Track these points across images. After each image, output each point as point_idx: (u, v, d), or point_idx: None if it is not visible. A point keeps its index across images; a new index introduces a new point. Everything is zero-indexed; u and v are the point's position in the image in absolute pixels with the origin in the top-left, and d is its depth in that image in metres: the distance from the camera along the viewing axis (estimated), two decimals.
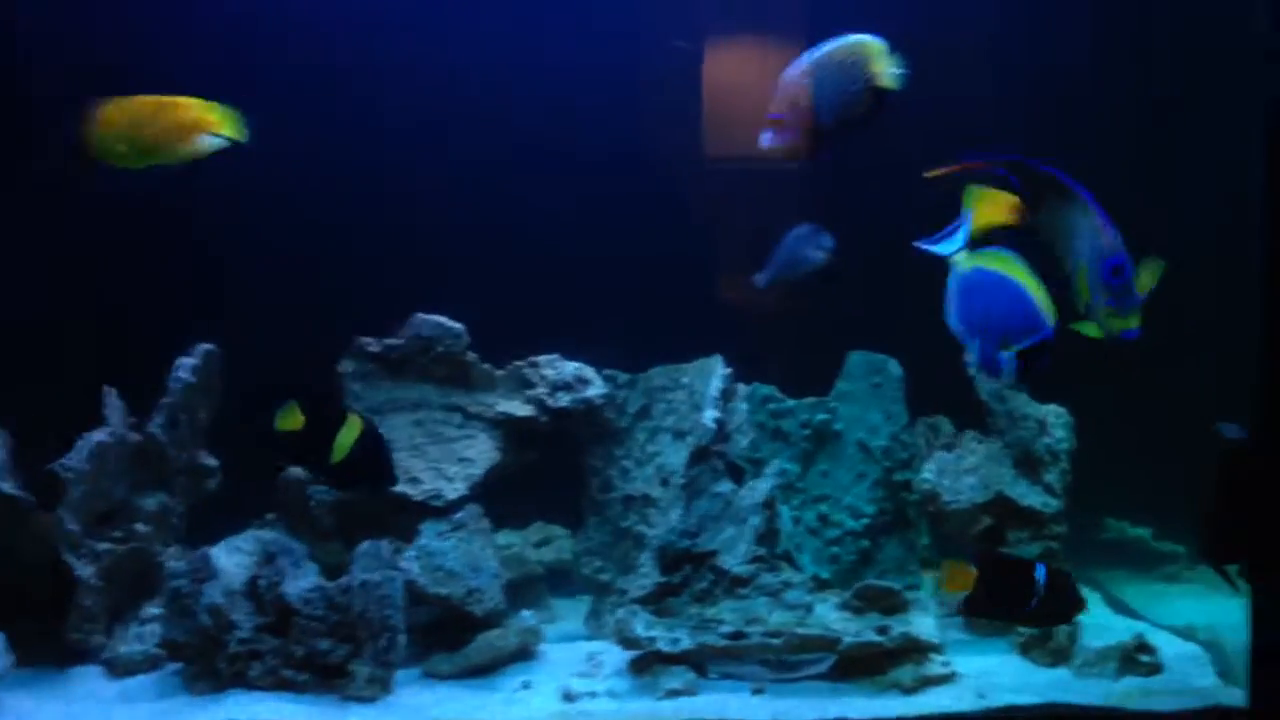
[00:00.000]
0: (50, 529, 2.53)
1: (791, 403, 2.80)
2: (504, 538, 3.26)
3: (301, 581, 2.44)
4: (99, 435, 2.61)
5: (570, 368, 2.79)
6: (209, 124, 2.26)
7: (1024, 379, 2.25)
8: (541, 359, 2.84)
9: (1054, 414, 2.74)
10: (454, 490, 2.66)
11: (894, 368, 2.76)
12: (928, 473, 2.60)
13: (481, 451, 2.73)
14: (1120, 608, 2.97)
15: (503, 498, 2.98)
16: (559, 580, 3.45)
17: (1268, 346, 2.22)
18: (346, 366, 2.69)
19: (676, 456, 2.81)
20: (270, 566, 2.47)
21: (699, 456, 2.60)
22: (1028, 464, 2.66)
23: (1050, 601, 2.25)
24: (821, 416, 2.79)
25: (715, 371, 2.71)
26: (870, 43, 2.15)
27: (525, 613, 2.63)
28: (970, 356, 2.27)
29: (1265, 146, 2.21)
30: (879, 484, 2.74)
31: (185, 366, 2.74)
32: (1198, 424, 2.44)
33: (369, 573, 2.44)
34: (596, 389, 2.80)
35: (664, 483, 2.81)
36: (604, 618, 2.83)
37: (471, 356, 2.77)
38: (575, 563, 2.92)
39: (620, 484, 2.88)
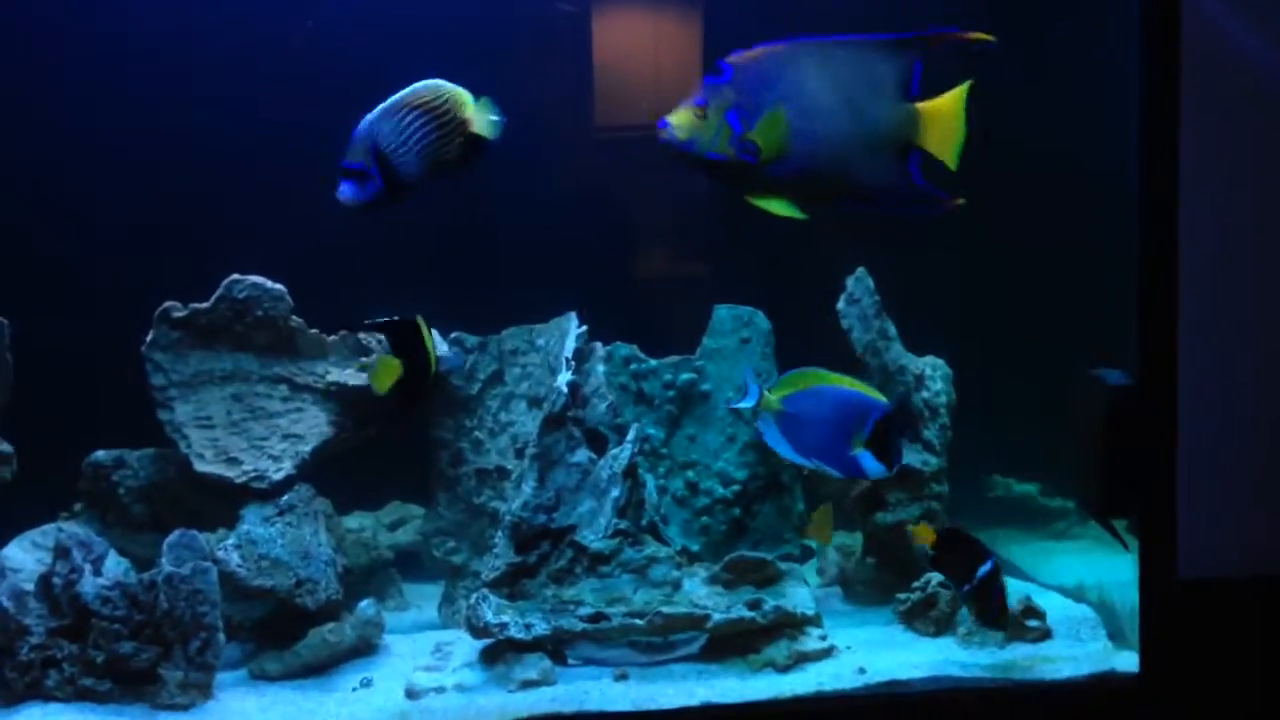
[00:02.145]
0: None
1: (654, 362, 2.65)
2: (355, 520, 3.06)
3: (100, 579, 2.20)
4: None
5: None
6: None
7: (892, 458, 2.30)
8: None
9: (931, 366, 2.65)
10: (280, 470, 2.44)
11: (761, 320, 2.62)
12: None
13: (311, 426, 2.52)
14: (1008, 569, 2.91)
15: (355, 477, 2.79)
16: (415, 564, 3.27)
17: (1146, 285, 2.15)
18: (149, 335, 2.44)
19: (533, 425, 2.64)
20: (65, 562, 2.23)
21: (553, 424, 2.43)
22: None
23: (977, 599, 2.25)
24: (686, 376, 2.64)
25: (569, 331, 2.54)
26: (457, 90, 2.07)
27: (364, 603, 2.44)
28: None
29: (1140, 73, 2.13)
30: (750, 447, 2.61)
31: None
32: (1081, 370, 2.38)
33: (179, 563, 2.22)
34: (441, 350, 2.60)
35: (520, 454, 2.63)
36: (458, 603, 2.66)
37: (297, 322, 2.55)
38: (425, 544, 2.73)
39: (472, 457, 2.70)
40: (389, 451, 2.78)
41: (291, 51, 2.84)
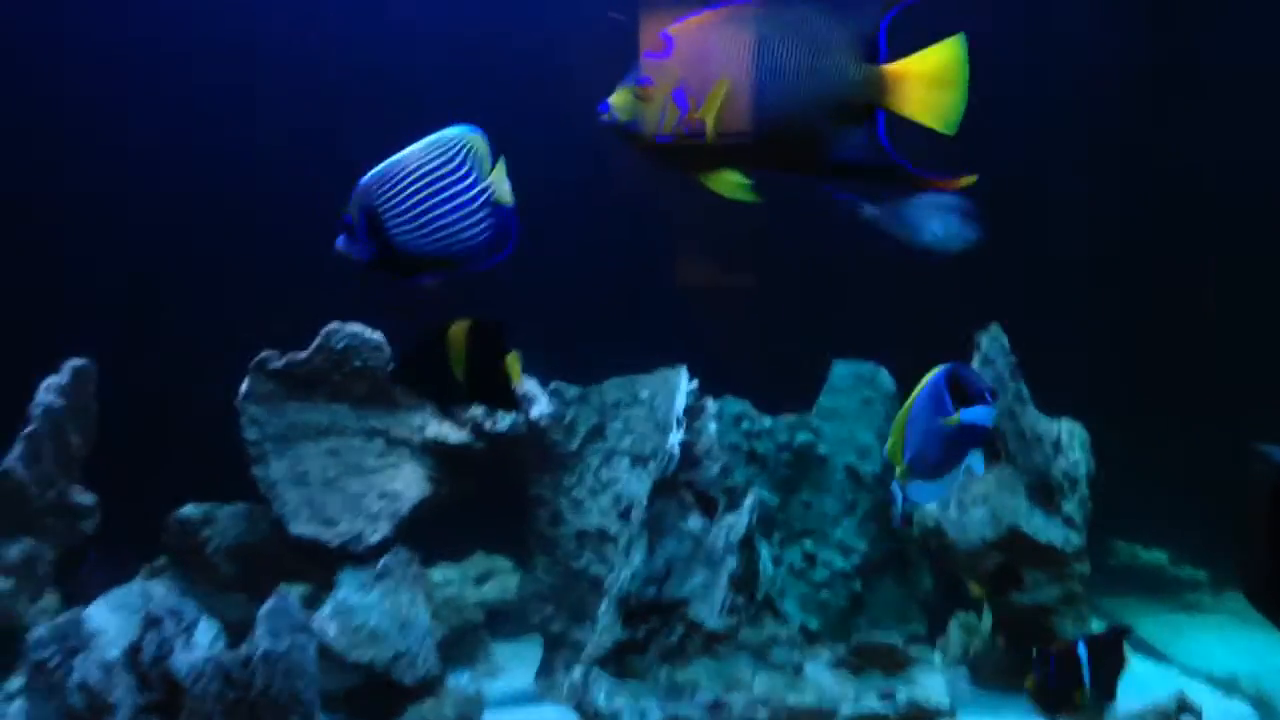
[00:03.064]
0: None
1: (768, 421, 2.51)
2: (440, 573, 2.96)
3: (193, 652, 2.10)
4: None
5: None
6: None
7: (985, 395, 1.99)
8: None
9: (1068, 431, 2.48)
10: (377, 532, 2.33)
11: (886, 380, 2.48)
12: (931, 506, 2.33)
13: (408, 483, 2.41)
14: (1140, 646, 2.74)
15: (436, 524, 2.68)
16: (502, 621, 3.16)
17: None
18: (243, 386, 2.34)
19: (638, 485, 2.51)
20: (155, 633, 2.13)
21: (664, 488, 2.30)
22: (1043, 491, 2.40)
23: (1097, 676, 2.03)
24: (803, 438, 2.50)
25: (680, 387, 2.41)
26: (474, 143, 1.79)
27: (463, 678, 2.32)
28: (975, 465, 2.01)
29: None
30: (872, 516, 2.46)
31: (50, 388, 2.39)
32: (1218, 434, 2.22)
33: (275, 637, 2.10)
34: (542, 408, 2.49)
35: (623, 516, 2.51)
36: (556, 675, 2.53)
37: None
38: (523, 609, 2.61)
39: (572, 517, 2.58)
40: (472, 498, 2.68)
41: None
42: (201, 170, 2.74)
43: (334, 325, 2.38)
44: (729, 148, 1.69)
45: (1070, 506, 2.42)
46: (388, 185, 1.78)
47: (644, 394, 2.59)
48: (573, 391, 2.61)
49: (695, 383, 2.42)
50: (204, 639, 2.20)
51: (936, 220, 2.34)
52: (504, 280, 2.67)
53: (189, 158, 2.75)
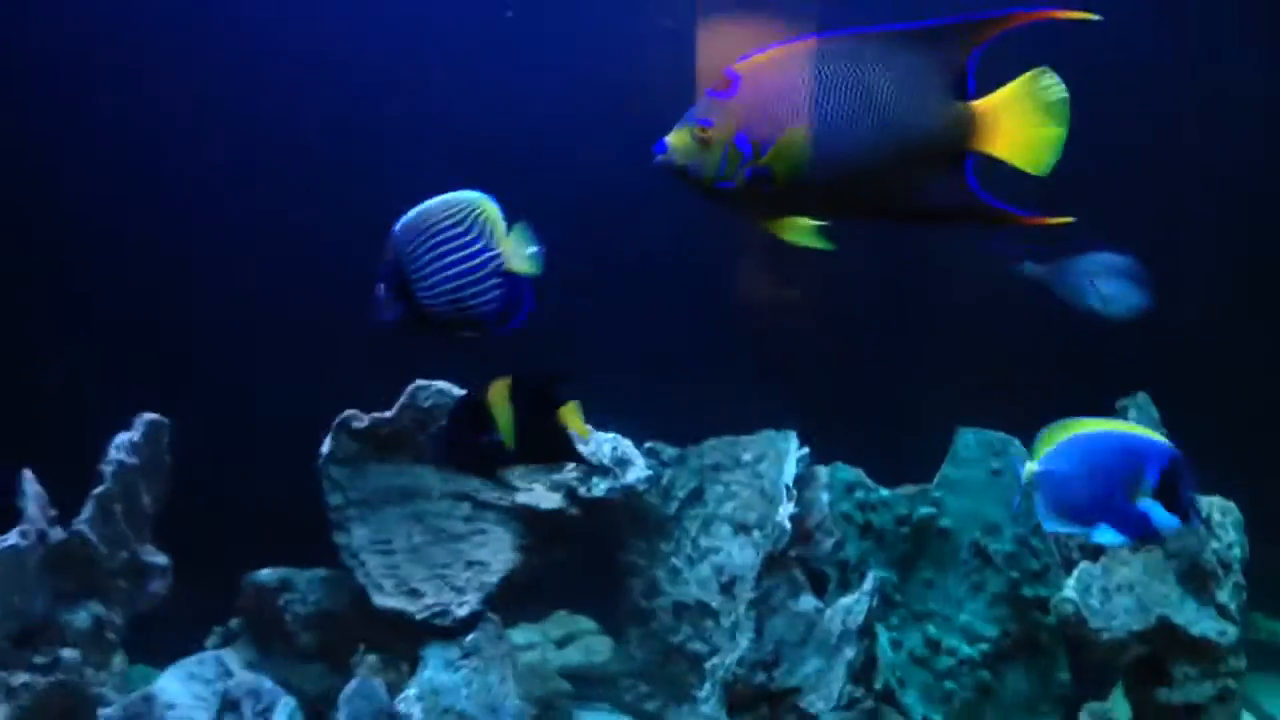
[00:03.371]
0: None
1: (885, 492, 2.31)
2: (521, 635, 2.80)
3: None
4: (10, 538, 2.14)
5: (606, 444, 2.31)
6: None
7: (1185, 509, 1.84)
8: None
9: (1221, 510, 2.25)
10: (464, 605, 2.18)
11: (1019, 451, 2.27)
12: (1071, 590, 2.12)
13: (497, 551, 2.26)
14: None
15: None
16: (586, 687, 3.00)
17: None
18: (325, 448, 2.21)
19: (740, 556, 2.34)
20: (234, 716, 2.00)
21: (774, 565, 2.12)
22: (1195, 577, 2.18)
23: None
24: (925, 511, 2.30)
25: (789, 454, 2.24)
26: (488, 209, 1.71)
27: None
28: (1105, 537, 1.85)
29: None
30: (1002, 599, 2.26)
31: (122, 445, 2.27)
32: None
33: None
34: (639, 471, 2.33)
35: (725, 589, 2.33)
36: None
37: None
38: (614, 682, 2.44)
39: (669, 588, 2.41)
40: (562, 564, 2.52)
41: None
42: (275, 221, 2.63)
43: (420, 382, 2.24)
44: (799, 195, 1.54)
45: (1224, 594, 2.19)
46: (411, 241, 1.72)
47: (746, 457, 2.41)
48: (670, 452, 2.44)
49: (805, 450, 2.24)
50: (284, 717, 2.07)
51: (1106, 282, 2.15)
52: (584, 332, 2.55)
53: (270, 207, 2.64)
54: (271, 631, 2.35)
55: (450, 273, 1.71)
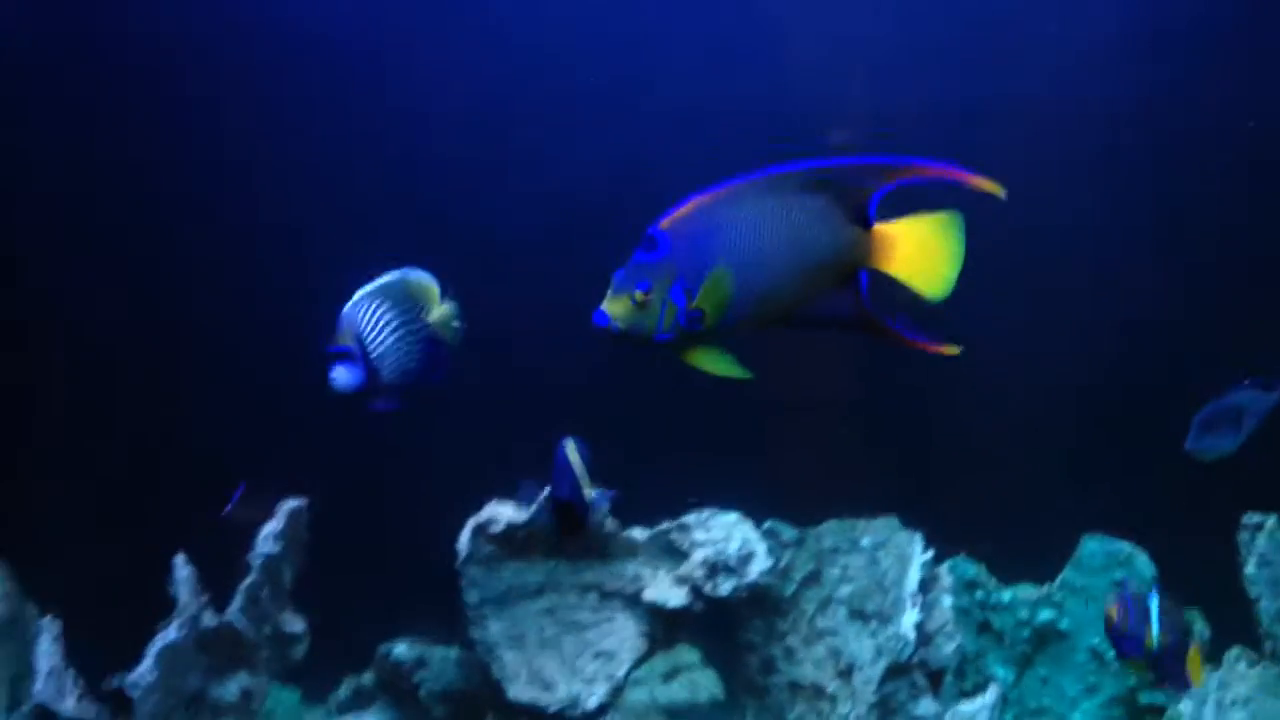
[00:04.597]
0: None
1: (1007, 595, 2.37)
2: None
3: None
4: (169, 635, 2.27)
5: (731, 540, 2.38)
6: None
7: None
8: (691, 518, 2.44)
9: None
10: (594, 696, 2.29)
11: (1145, 564, 2.31)
12: (1187, 704, 2.18)
13: (623, 642, 2.36)
14: None
15: None
16: (685, 717, 3.13)
17: None
18: (463, 549, 2.30)
19: (856, 643, 2.42)
20: None
21: (897, 672, 2.20)
22: None
23: None
24: (1046, 615, 2.36)
25: (913, 558, 2.29)
26: (428, 285, 2.04)
27: None
28: None
29: None
30: (1117, 702, 2.33)
31: (269, 537, 2.38)
32: None
33: None
34: (761, 564, 2.39)
35: (841, 675, 2.42)
36: None
37: (611, 526, 2.37)
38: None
39: (784, 666, 2.50)
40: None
41: None
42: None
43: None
44: (723, 328, 1.69)
45: None
46: (367, 316, 2.02)
47: (864, 542, 2.47)
48: (788, 533, 2.51)
49: (931, 554, 2.30)
50: None
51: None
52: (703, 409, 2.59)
53: None
54: (405, 700, 2.49)
55: (396, 341, 2.00)
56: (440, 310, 2.06)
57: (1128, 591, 1.95)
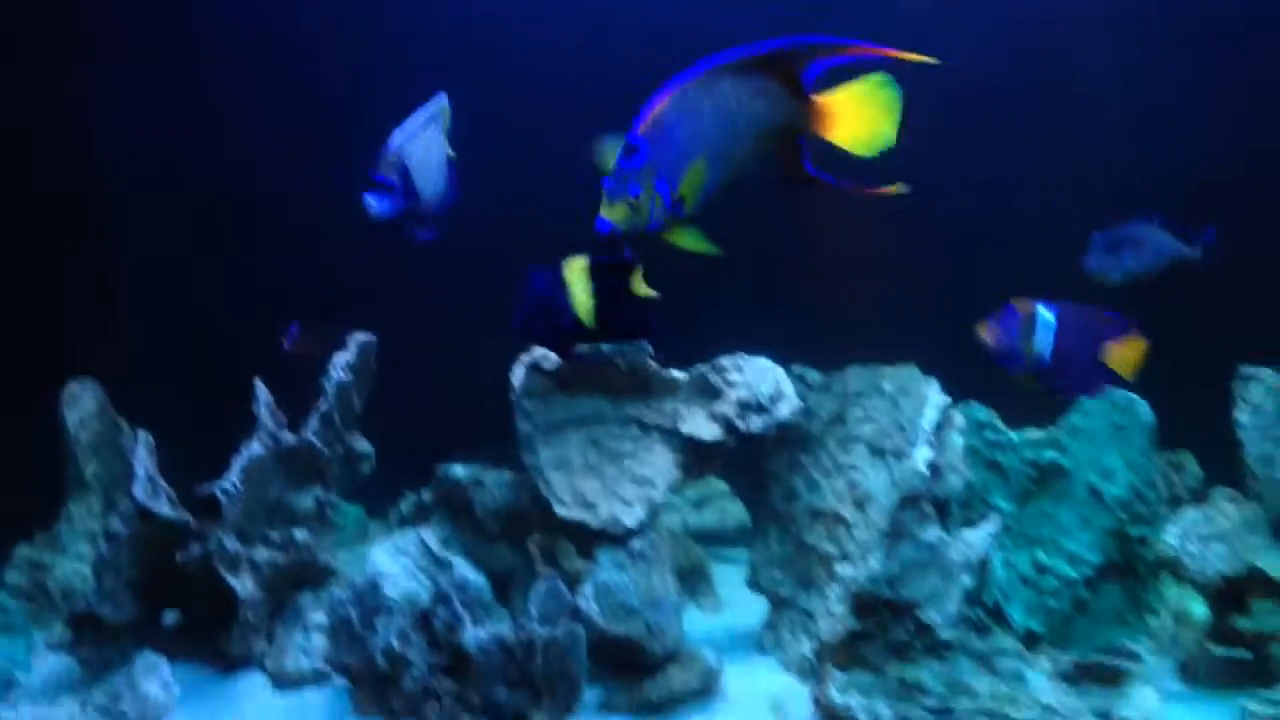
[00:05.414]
0: (208, 549, 2.50)
1: (1014, 436, 2.57)
2: None
3: (480, 631, 2.38)
4: (254, 449, 2.53)
5: (763, 381, 2.58)
6: None
7: None
8: (726, 361, 2.64)
9: None
10: (633, 517, 2.54)
11: (1144, 411, 2.49)
12: (1171, 536, 2.40)
13: (660, 470, 2.59)
14: None
15: None
16: (716, 541, 3.40)
17: None
18: (517, 383, 2.52)
19: (874, 477, 2.64)
20: (445, 608, 2.40)
21: (909, 503, 2.42)
22: None
23: None
24: (1049, 456, 2.56)
25: (929, 401, 2.49)
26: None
27: (707, 654, 2.56)
28: None
29: None
30: (1108, 534, 2.55)
31: (341, 365, 2.61)
32: None
33: (549, 619, 2.37)
34: (790, 404, 2.60)
35: (858, 505, 2.65)
36: (782, 632, 2.76)
37: (653, 365, 2.58)
38: (753, 573, 2.83)
39: (806, 495, 2.73)
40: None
41: None
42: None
43: None
44: (699, 207, 1.94)
45: None
46: (418, 145, 2.20)
47: (887, 386, 2.66)
48: (815, 377, 2.70)
49: (947, 399, 2.49)
50: (475, 583, 2.49)
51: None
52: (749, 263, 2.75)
53: None
54: (461, 515, 2.75)
55: (438, 166, 2.24)
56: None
57: (1011, 312, 2.11)
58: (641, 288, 2.33)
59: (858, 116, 1.94)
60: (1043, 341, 2.19)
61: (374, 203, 2.19)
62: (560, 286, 2.33)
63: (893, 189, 1.93)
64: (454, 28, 3.25)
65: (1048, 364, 2.18)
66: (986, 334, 2.17)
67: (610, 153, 1.87)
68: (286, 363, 2.93)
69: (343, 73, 3.16)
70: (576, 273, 2.33)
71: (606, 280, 2.35)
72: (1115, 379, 2.22)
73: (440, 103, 2.36)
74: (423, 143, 2.26)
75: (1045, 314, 2.18)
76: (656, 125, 1.87)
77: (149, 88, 3.28)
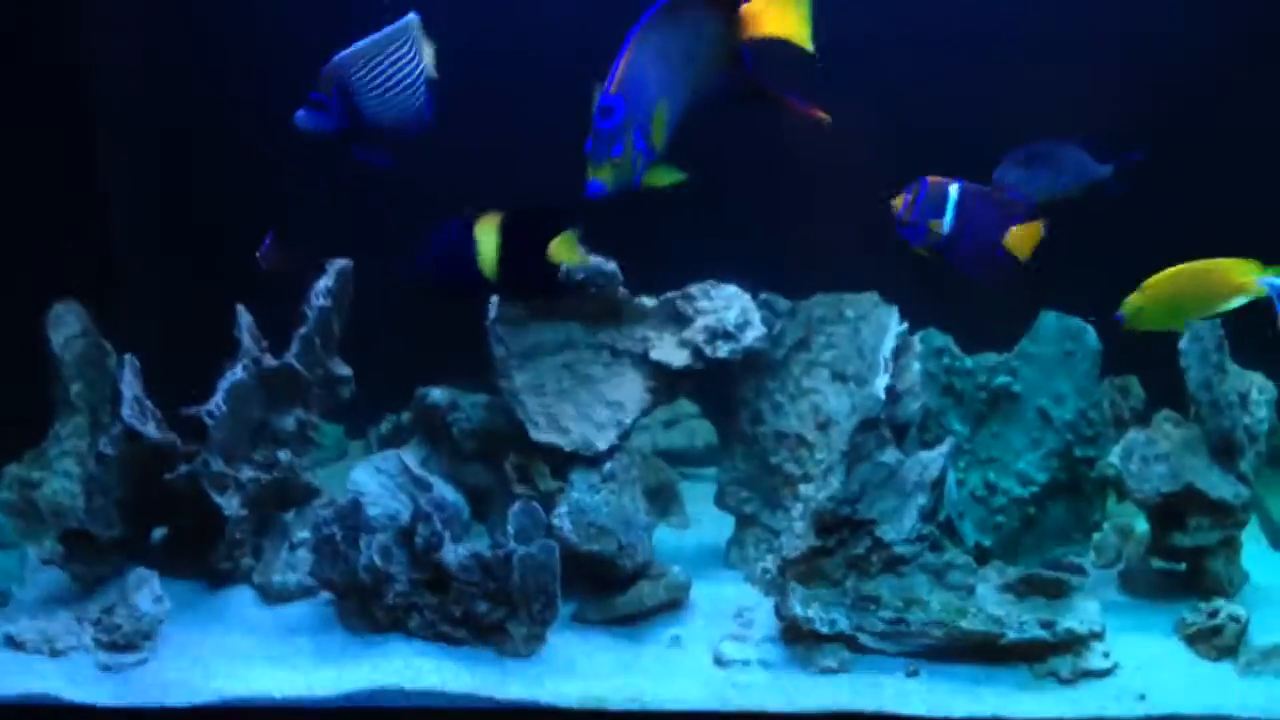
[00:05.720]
0: (195, 469, 2.58)
1: (969, 361, 2.68)
2: None
3: (460, 549, 2.49)
4: (236, 374, 2.60)
5: (730, 309, 2.67)
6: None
7: None
8: (695, 289, 2.72)
9: (1259, 388, 2.61)
10: (604, 439, 2.64)
11: (1092, 339, 2.61)
12: (1115, 456, 2.53)
13: (630, 395, 2.70)
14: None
15: None
16: (685, 460, 3.52)
17: None
18: (492, 309, 2.59)
19: (835, 401, 2.76)
20: (426, 525, 2.50)
21: (867, 427, 2.53)
22: (1223, 449, 2.57)
23: None
24: (1001, 380, 2.68)
25: (890, 328, 2.59)
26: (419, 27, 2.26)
27: (676, 568, 2.68)
28: None
29: None
30: (1056, 455, 2.68)
31: (321, 291, 2.68)
32: None
33: (525, 537, 2.48)
34: (756, 332, 2.70)
35: (820, 427, 2.76)
36: (748, 549, 2.89)
37: (624, 293, 2.66)
38: (720, 492, 2.94)
39: (771, 418, 2.85)
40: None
41: None
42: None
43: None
44: (666, 145, 2.05)
45: (1246, 463, 2.59)
46: (360, 66, 2.21)
47: (849, 313, 2.77)
48: (782, 304, 2.79)
49: (905, 326, 2.59)
50: (452, 500, 2.61)
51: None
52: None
53: None
54: (439, 436, 2.85)
55: (398, 87, 2.20)
56: (427, 53, 2.26)
57: (924, 184, 2.22)
58: (567, 253, 2.38)
59: (778, 15, 2.06)
60: (947, 217, 2.27)
61: (303, 117, 2.20)
62: (469, 238, 2.39)
63: (821, 116, 2.06)
64: None
65: (946, 240, 2.26)
66: (897, 204, 2.25)
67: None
68: (261, 277, 2.96)
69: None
70: (488, 227, 2.39)
71: (517, 238, 2.41)
72: (1011, 261, 2.30)
73: (405, 24, 2.32)
74: (372, 62, 2.25)
75: (953, 191, 2.26)
76: (624, 83, 1.96)
77: (130, 23, 3.27)
